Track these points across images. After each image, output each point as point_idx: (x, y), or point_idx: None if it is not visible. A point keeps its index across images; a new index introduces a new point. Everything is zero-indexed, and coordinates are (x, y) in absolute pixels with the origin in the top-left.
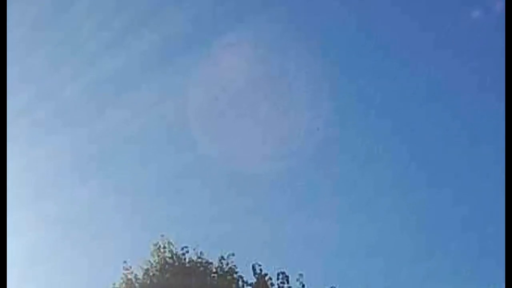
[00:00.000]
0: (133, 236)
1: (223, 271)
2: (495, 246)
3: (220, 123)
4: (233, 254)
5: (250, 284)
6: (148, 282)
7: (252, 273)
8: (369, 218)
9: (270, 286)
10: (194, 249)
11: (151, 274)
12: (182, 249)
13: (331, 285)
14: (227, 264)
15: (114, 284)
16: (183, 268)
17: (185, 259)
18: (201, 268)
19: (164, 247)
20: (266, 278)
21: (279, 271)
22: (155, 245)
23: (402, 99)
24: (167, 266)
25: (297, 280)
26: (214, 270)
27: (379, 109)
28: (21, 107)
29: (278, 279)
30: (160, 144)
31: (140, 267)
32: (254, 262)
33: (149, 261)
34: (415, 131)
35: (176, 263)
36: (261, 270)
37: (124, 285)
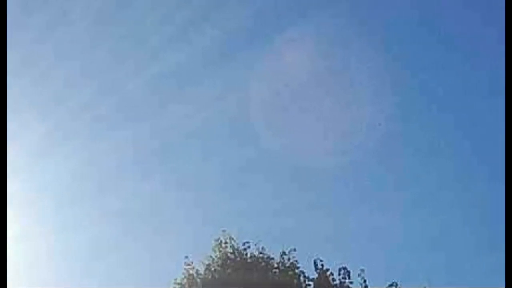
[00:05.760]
0: (195, 231)
1: (285, 267)
2: None
3: (283, 117)
4: (294, 249)
5: (312, 280)
6: (210, 277)
7: (313, 268)
8: (432, 212)
9: (331, 281)
10: (255, 244)
11: (212, 269)
12: (244, 244)
13: (393, 280)
14: (289, 259)
15: (175, 279)
16: (244, 264)
17: (246, 254)
18: (263, 264)
19: (226, 242)
20: (328, 273)
21: (341, 266)
22: (217, 240)
23: (465, 93)
24: (228, 261)
25: (359, 275)
26: (275, 265)
27: (441, 103)
28: (83, 102)
29: (339, 274)
30: (222, 139)
31: (202, 262)
32: (315, 258)
33: (211, 257)
34: (478, 125)
35: (238, 259)
36: (322, 265)
37: (185, 280)
